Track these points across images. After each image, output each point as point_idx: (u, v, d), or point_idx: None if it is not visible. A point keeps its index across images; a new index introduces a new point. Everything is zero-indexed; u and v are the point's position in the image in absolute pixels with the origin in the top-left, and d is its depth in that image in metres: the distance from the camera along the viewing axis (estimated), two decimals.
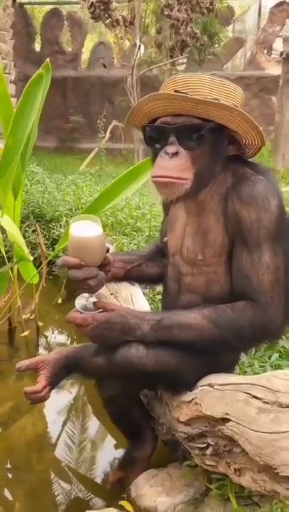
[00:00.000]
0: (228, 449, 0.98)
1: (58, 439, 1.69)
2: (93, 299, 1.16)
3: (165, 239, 1.29)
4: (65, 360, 1.30)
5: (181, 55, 6.46)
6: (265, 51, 10.64)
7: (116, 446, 1.63)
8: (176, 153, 1.04)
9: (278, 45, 10.91)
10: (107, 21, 5.20)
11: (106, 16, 4.96)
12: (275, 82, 9.82)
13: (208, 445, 1.07)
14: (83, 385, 1.99)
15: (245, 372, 1.48)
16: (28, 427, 1.75)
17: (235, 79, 10.24)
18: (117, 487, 1.42)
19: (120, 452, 1.58)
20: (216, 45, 8.65)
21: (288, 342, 1.63)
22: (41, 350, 2.37)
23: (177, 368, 1.16)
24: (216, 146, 1.07)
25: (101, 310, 1.15)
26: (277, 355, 1.54)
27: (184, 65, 9.30)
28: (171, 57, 6.53)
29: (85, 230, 1.07)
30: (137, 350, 1.16)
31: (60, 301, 2.80)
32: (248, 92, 10.26)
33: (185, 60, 8.70)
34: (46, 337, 2.50)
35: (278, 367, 1.52)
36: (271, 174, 1.11)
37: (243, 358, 1.52)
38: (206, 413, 1.00)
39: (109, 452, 1.62)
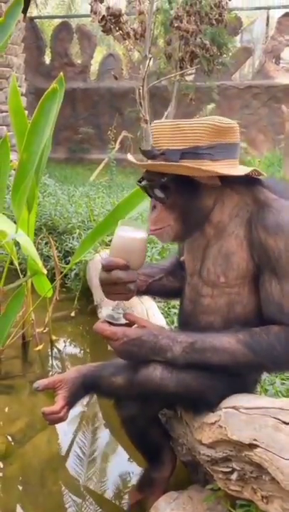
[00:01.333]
0: (255, 475, 0.94)
1: (73, 457, 1.66)
2: (120, 310, 1.14)
3: (182, 258, 1.26)
4: (83, 379, 1.27)
5: (191, 66, 6.48)
6: (274, 60, 10.66)
7: (134, 465, 1.60)
8: (154, 207, 1.11)
9: (287, 55, 10.94)
10: (117, 33, 5.24)
11: (117, 28, 5.00)
12: (284, 91, 9.83)
13: (233, 470, 1.03)
14: (98, 400, 1.96)
15: (267, 390, 1.44)
16: (43, 444, 1.72)
17: (244, 88, 10.27)
18: (136, 509, 1.38)
19: (138, 470, 1.55)
20: (225, 55, 8.68)
21: None
22: (55, 365, 2.35)
23: (200, 389, 1.13)
24: (186, 190, 1.07)
25: (127, 322, 1.12)
26: None
27: (193, 76, 9.36)
28: (181, 68, 6.55)
29: (132, 232, 1.08)
30: (159, 370, 1.13)
31: (73, 314, 2.78)
32: (257, 101, 10.28)
33: (194, 71, 8.75)
34: (60, 351, 2.48)
35: None
36: None
37: (264, 375, 1.48)
38: (231, 437, 0.96)
39: (127, 471, 1.59)
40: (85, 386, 1.27)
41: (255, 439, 0.87)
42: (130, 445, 1.43)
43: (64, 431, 1.78)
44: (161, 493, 1.34)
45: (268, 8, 11.13)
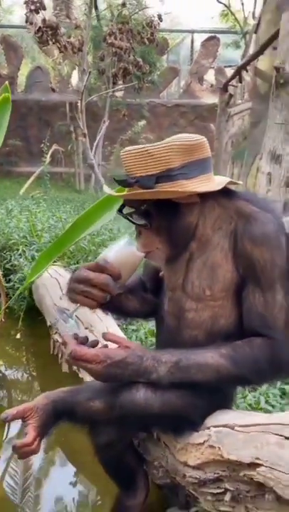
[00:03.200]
0: (252, 494, 0.92)
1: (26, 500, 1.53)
2: (74, 318, 1.11)
3: (161, 274, 1.23)
4: (54, 406, 1.18)
5: (124, 82, 6.58)
6: (198, 81, 11.19)
7: (99, 499, 1.52)
8: (140, 232, 1.11)
9: (210, 77, 11.55)
10: (53, 45, 5.15)
11: (53, 41, 4.92)
12: (209, 111, 10.33)
13: (226, 490, 1.00)
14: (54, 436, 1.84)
15: (238, 404, 1.45)
16: None
17: (172, 106, 10.64)
18: None
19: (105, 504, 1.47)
20: (153, 74, 8.94)
21: None
22: (2, 397, 2.17)
23: (185, 408, 1.10)
24: (167, 212, 1.07)
25: (92, 344, 1.08)
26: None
27: (122, 92, 9.51)
28: (114, 83, 6.62)
29: (135, 247, 1.08)
30: (143, 391, 1.08)
31: (18, 336, 2.62)
32: (184, 120, 10.69)
33: (123, 87, 8.89)
34: (5, 377, 2.30)
35: (267, 395, 1.50)
36: (276, 209, 1.11)
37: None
38: (229, 457, 0.93)
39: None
40: (57, 413, 1.18)
41: (257, 458, 0.86)
42: (98, 478, 1.35)
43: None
44: None
45: (192, 31, 11.69)
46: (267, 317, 1.04)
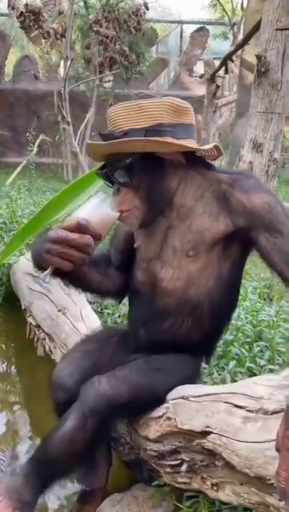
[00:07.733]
0: (205, 463, 0.94)
1: None
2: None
3: (136, 245, 1.23)
4: (33, 480, 1.09)
5: (110, 71, 6.54)
6: (188, 73, 11.16)
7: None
8: (118, 190, 1.08)
9: (199, 68, 11.52)
10: (36, 32, 5.10)
11: (36, 26, 4.86)
12: (199, 102, 10.28)
13: (183, 461, 1.02)
14: None
15: (205, 382, 1.46)
16: None
17: (161, 97, 10.63)
18: None
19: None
20: (142, 65, 8.90)
21: (240, 350, 1.65)
22: None
23: (150, 386, 1.11)
24: (152, 169, 1.07)
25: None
26: (234, 362, 1.54)
27: (111, 83, 9.45)
28: (101, 72, 6.57)
29: (109, 209, 1.03)
30: (105, 381, 1.08)
31: None
32: None
33: (112, 78, 8.84)
34: None
35: (235, 374, 1.52)
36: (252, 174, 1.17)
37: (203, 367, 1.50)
38: (182, 428, 0.95)
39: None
40: (42, 482, 1.09)
41: (208, 426, 0.87)
42: None
43: None
44: (101, 496, 1.29)
45: (181, 22, 11.64)
46: None
